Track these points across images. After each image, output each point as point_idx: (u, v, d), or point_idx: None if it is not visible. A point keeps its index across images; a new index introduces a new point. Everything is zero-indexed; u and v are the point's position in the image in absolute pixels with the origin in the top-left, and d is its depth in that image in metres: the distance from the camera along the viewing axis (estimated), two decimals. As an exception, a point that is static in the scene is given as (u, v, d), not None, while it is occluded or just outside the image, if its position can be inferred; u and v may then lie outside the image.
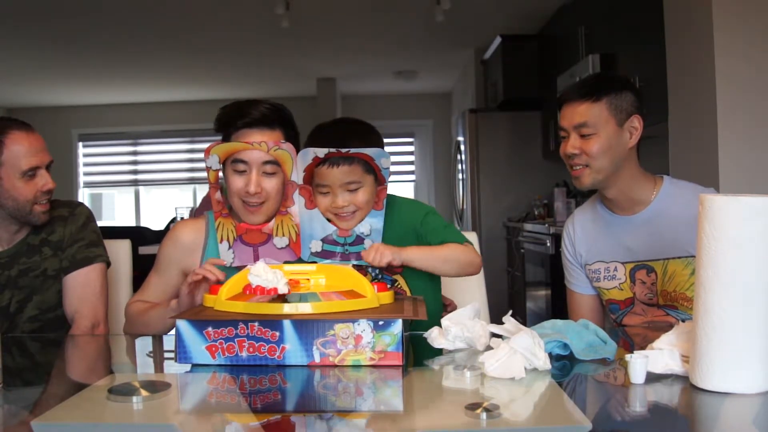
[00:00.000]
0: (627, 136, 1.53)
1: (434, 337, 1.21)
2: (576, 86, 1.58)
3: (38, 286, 1.66)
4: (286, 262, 1.38)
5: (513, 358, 1.01)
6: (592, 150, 1.51)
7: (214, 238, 1.55)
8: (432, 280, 1.58)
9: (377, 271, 1.54)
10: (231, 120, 1.52)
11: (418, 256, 1.46)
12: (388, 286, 1.53)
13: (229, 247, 1.51)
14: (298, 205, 1.50)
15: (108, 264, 1.74)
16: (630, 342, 1.32)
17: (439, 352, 1.20)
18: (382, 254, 1.41)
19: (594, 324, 1.18)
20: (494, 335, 1.16)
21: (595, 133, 1.51)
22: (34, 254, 1.67)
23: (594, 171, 1.53)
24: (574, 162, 1.55)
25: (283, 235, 1.52)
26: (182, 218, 4.64)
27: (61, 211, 1.73)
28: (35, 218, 1.63)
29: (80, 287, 1.67)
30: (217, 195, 1.51)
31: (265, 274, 1.21)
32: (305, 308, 1.12)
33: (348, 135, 1.50)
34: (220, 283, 1.29)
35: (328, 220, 1.50)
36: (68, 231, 1.70)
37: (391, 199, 1.58)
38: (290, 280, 1.28)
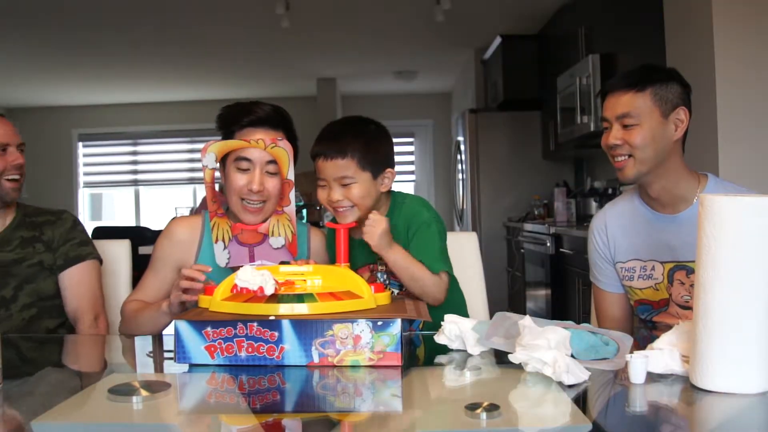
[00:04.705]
0: (672, 129, 1.47)
1: (437, 333, 1.21)
2: (620, 76, 1.52)
3: (33, 275, 1.70)
4: (282, 263, 1.38)
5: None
6: (635, 141, 1.45)
7: (210, 237, 1.55)
8: None
9: (385, 276, 1.54)
10: (236, 118, 1.52)
11: (396, 261, 1.46)
12: (395, 292, 1.53)
13: (225, 248, 1.51)
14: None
15: (100, 261, 1.80)
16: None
17: (442, 351, 1.20)
18: (371, 235, 1.42)
19: (622, 323, 1.15)
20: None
21: (638, 123, 1.45)
22: (28, 246, 1.72)
23: (638, 162, 1.47)
24: (617, 153, 1.49)
25: (279, 235, 1.52)
26: (182, 218, 4.62)
27: (47, 216, 1.79)
28: (4, 192, 1.68)
29: (77, 285, 1.73)
30: (213, 207, 1.50)
31: (253, 278, 1.19)
32: (301, 309, 1.12)
33: (342, 129, 1.51)
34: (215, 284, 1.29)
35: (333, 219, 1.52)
36: (57, 232, 1.76)
37: (401, 197, 1.59)
38: (285, 281, 1.27)
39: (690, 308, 1.50)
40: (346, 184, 1.47)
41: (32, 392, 1.06)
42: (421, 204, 1.59)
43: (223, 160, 1.52)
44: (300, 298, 1.15)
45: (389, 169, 1.53)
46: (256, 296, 1.18)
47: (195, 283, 1.32)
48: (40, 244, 1.73)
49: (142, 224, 7.99)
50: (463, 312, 1.60)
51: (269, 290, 1.19)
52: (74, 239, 1.76)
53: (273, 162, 1.48)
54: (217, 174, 1.51)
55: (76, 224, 1.81)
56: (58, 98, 7.52)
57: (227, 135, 1.52)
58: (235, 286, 1.20)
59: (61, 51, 5.63)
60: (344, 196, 1.47)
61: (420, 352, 1.28)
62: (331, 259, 1.60)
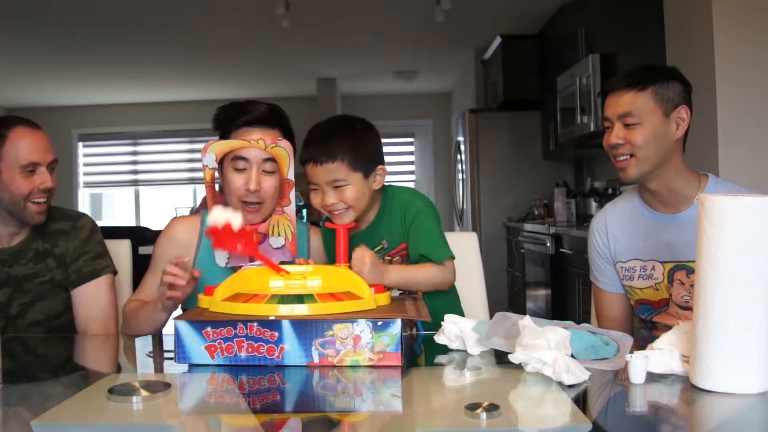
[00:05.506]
0: (673, 127, 1.48)
1: (437, 333, 1.21)
2: (622, 76, 1.53)
3: (44, 292, 1.64)
4: (282, 263, 1.38)
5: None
6: (636, 140, 1.46)
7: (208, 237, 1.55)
8: None
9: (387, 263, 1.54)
10: (232, 118, 1.51)
11: (397, 282, 1.44)
12: None
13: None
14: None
15: (115, 273, 1.73)
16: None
17: (442, 351, 1.20)
18: (360, 270, 1.32)
19: (622, 323, 1.15)
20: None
21: (640, 122, 1.46)
22: (41, 261, 1.65)
23: (639, 161, 1.47)
24: (618, 152, 1.50)
25: (279, 235, 1.52)
26: (182, 218, 4.62)
27: (63, 224, 1.69)
28: (29, 216, 1.58)
29: (89, 305, 1.65)
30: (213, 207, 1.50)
31: (220, 216, 1.27)
32: (301, 309, 1.12)
33: (329, 132, 1.49)
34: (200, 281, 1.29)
35: (327, 219, 1.51)
36: (71, 246, 1.67)
37: (391, 190, 1.58)
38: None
39: (690, 308, 1.50)
40: (339, 186, 1.45)
41: (32, 392, 1.05)
42: (411, 194, 1.60)
43: (221, 161, 1.52)
44: (300, 299, 1.15)
45: (380, 166, 1.52)
46: (256, 296, 1.18)
47: (178, 279, 1.31)
48: (51, 259, 1.65)
49: (142, 224, 8.00)
50: (458, 307, 1.60)
51: (236, 224, 1.24)
52: (88, 253, 1.67)
53: (270, 160, 1.48)
54: (217, 174, 1.51)
55: (93, 234, 1.71)
56: (58, 98, 7.53)
57: (224, 135, 1.52)
58: (210, 229, 1.28)
59: (61, 51, 5.63)
60: (338, 199, 1.46)
61: (422, 351, 1.28)
62: (330, 259, 1.60)
